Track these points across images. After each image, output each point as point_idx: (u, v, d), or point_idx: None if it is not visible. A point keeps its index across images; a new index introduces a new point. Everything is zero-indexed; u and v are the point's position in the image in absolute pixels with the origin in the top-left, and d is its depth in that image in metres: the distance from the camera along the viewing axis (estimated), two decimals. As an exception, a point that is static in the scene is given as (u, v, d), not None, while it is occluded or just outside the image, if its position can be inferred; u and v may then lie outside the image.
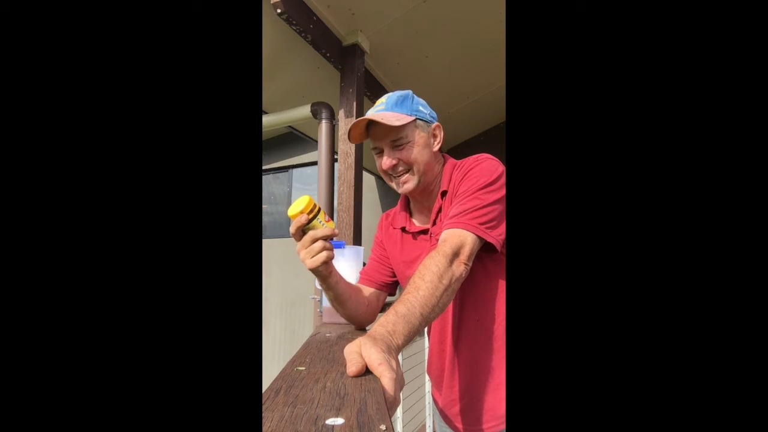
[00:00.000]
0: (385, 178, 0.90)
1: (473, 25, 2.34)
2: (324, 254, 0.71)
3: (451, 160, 0.91)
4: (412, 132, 0.84)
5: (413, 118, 0.84)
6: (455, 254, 0.70)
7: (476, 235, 0.74)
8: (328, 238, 0.72)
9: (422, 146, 0.85)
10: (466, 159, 0.87)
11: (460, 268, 0.70)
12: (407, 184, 0.86)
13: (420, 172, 0.85)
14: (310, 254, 0.71)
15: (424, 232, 0.91)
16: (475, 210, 0.75)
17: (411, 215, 0.96)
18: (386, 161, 0.84)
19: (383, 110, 0.84)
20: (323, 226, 0.71)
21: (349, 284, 0.86)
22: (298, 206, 0.70)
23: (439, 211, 0.87)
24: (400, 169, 0.85)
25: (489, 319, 0.83)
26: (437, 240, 0.79)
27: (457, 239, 0.72)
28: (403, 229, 0.95)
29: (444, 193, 0.87)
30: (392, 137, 0.84)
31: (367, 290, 0.97)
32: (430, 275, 0.66)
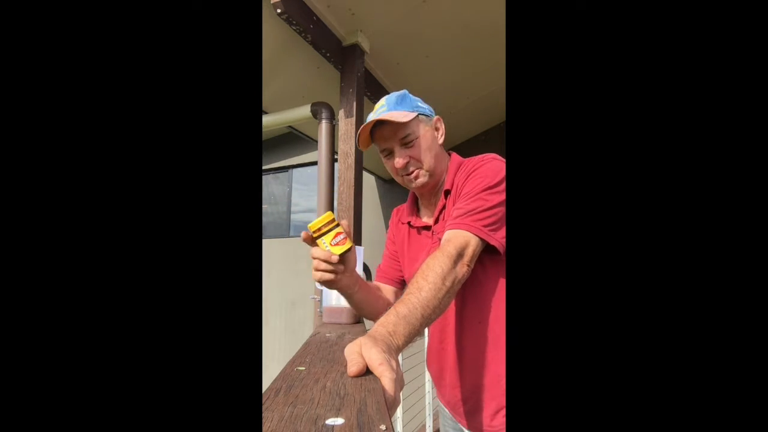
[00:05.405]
0: (398, 179, 0.91)
1: (473, 25, 2.34)
2: (318, 275, 0.74)
3: (456, 158, 0.92)
4: (417, 127, 0.86)
5: (416, 113, 0.85)
6: (459, 255, 0.71)
7: (479, 237, 0.74)
8: (324, 260, 0.73)
9: (429, 141, 0.87)
10: (471, 158, 0.87)
11: (463, 270, 0.70)
12: (420, 179, 0.87)
13: (431, 167, 0.86)
14: (314, 268, 0.75)
15: (427, 228, 0.92)
16: (479, 212, 0.75)
17: (419, 210, 0.98)
18: (399, 161, 0.85)
19: (385, 111, 0.85)
20: (326, 247, 0.73)
21: (368, 289, 0.88)
22: (315, 222, 0.73)
23: (443, 209, 0.88)
24: (412, 168, 0.86)
25: (491, 321, 0.83)
26: (439, 238, 0.80)
27: (461, 240, 0.72)
28: (409, 224, 0.97)
29: (447, 192, 0.88)
30: (401, 135, 0.85)
31: (385, 288, 0.98)
32: (434, 276, 0.66)
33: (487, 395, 0.82)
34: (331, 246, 0.73)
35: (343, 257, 0.74)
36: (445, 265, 0.68)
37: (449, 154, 0.93)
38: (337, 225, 0.73)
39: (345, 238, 0.74)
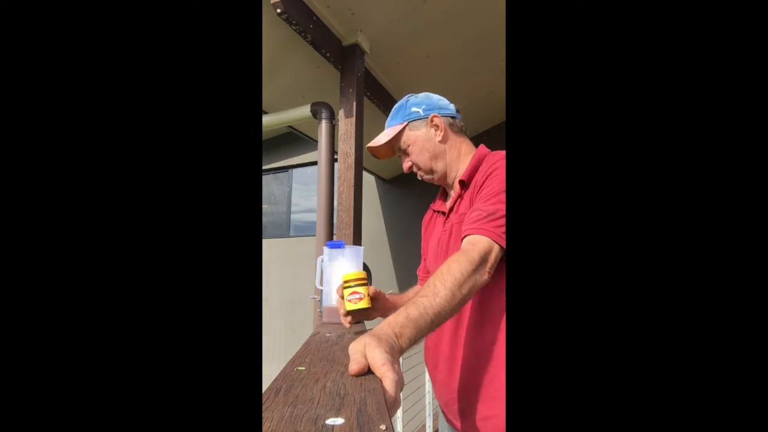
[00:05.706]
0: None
1: (473, 25, 2.34)
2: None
3: (482, 151, 0.92)
4: (406, 136, 0.95)
5: (404, 124, 0.94)
6: (483, 261, 0.70)
7: (501, 246, 0.73)
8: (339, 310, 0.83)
9: (421, 144, 0.94)
10: (496, 153, 0.88)
11: (483, 278, 0.70)
12: (424, 177, 0.98)
13: (427, 167, 0.94)
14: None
15: (443, 213, 0.96)
16: (500, 217, 0.74)
17: (446, 198, 1.02)
18: (404, 167, 1.00)
19: (386, 129, 0.98)
20: (345, 299, 0.83)
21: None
22: (347, 274, 0.83)
23: (458, 199, 0.90)
24: (415, 169, 0.98)
25: (491, 324, 0.82)
26: (450, 226, 0.87)
27: (485, 246, 0.72)
28: (434, 209, 1.03)
29: (462, 183, 0.89)
30: (395, 148, 0.98)
31: None
32: (452, 281, 0.65)
33: (481, 397, 0.82)
34: (347, 301, 0.82)
35: (358, 313, 0.82)
36: (466, 270, 0.67)
37: (474, 146, 0.96)
38: (363, 285, 0.82)
39: (361, 298, 0.81)
